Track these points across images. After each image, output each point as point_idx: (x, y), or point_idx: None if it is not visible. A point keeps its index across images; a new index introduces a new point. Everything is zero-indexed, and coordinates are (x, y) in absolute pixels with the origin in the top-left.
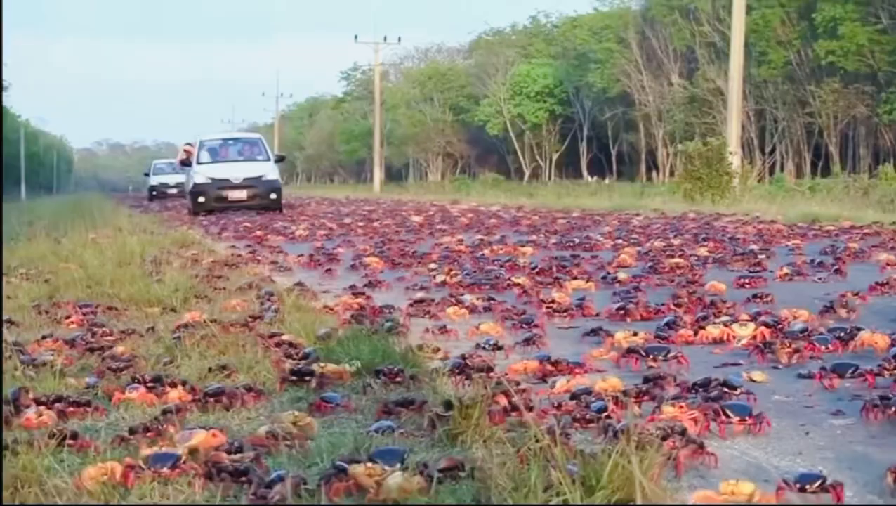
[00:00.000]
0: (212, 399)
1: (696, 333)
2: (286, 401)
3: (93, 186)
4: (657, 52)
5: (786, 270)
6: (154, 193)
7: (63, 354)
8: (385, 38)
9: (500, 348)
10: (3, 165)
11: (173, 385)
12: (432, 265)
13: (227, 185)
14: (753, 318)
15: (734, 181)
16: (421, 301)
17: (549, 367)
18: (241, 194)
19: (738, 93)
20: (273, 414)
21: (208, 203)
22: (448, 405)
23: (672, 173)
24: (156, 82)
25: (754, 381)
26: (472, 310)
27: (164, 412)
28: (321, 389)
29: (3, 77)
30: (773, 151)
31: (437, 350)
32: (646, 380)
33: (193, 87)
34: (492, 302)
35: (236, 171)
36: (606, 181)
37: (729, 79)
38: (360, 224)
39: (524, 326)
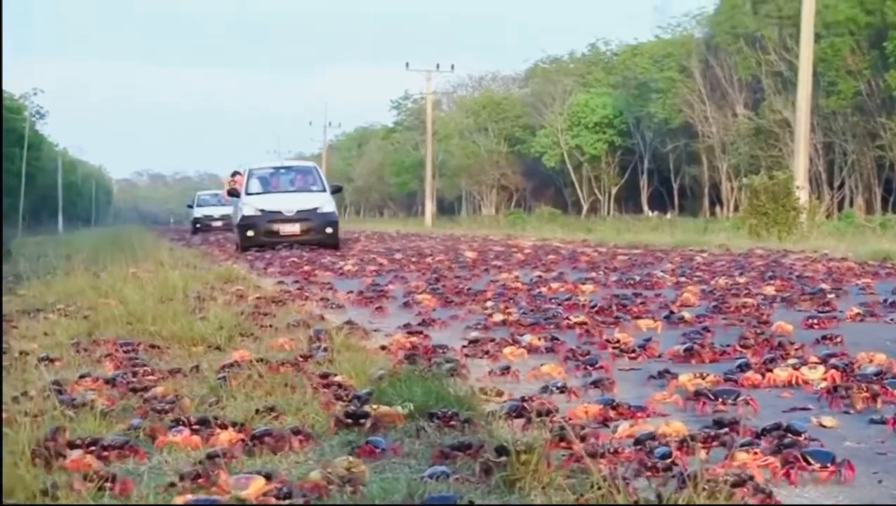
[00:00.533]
0: (259, 442)
1: (763, 376)
2: (336, 445)
3: (133, 217)
4: (721, 81)
5: (857, 310)
6: (198, 225)
7: (104, 393)
8: (438, 66)
9: (566, 391)
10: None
11: (223, 427)
12: (488, 303)
13: (278, 218)
14: (823, 360)
15: (801, 217)
16: (476, 341)
17: (610, 411)
18: (294, 228)
19: (806, 125)
20: (324, 459)
21: (258, 237)
22: (502, 450)
23: (736, 208)
24: (198, 111)
25: (824, 426)
26: (533, 350)
27: (210, 457)
28: (375, 432)
29: (41, 104)
30: (841, 185)
31: (499, 393)
32: (716, 424)
33: (237, 117)
34: (555, 342)
35: (289, 202)
36: (668, 216)
37: (796, 110)
38: (413, 259)
39: (588, 367)
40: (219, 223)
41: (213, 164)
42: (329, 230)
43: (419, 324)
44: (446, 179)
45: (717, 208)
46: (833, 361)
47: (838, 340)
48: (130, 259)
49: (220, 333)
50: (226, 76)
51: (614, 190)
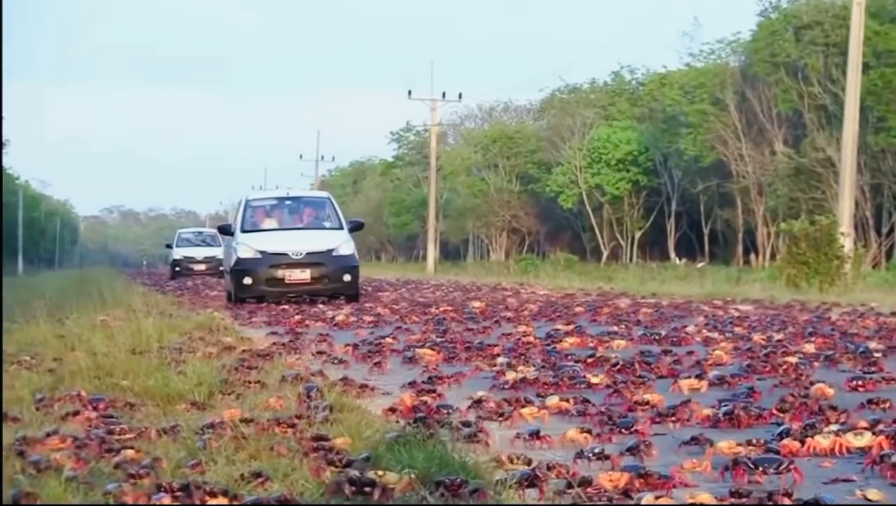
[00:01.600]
0: None
1: (802, 443)
2: None
3: (101, 259)
4: (759, 115)
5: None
6: (177, 268)
7: (71, 455)
8: (444, 95)
9: (603, 458)
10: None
11: (211, 495)
12: (500, 359)
13: (283, 262)
14: (871, 426)
15: (846, 267)
16: (479, 401)
17: (637, 481)
18: (304, 275)
19: (852, 164)
20: None
21: (256, 286)
22: None
23: (773, 256)
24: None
25: (869, 499)
26: (560, 412)
27: None
28: (384, 500)
29: (2, 133)
30: (891, 231)
31: (528, 462)
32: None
33: (220, 149)
34: (585, 404)
35: (297, 242)
36: (698, 264)
37: (842, 148)
38: (415, 308)
39: (623, 431)
40: (202, 266)
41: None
42: (347, 278)
43: (425, 382)
44: (451, 220)
45: (752, 256)
46: (881, 427)
47: (886, 404)
48: (99, 305)
49: (199, 390)
50: (207, 103)
51: (638, 234)
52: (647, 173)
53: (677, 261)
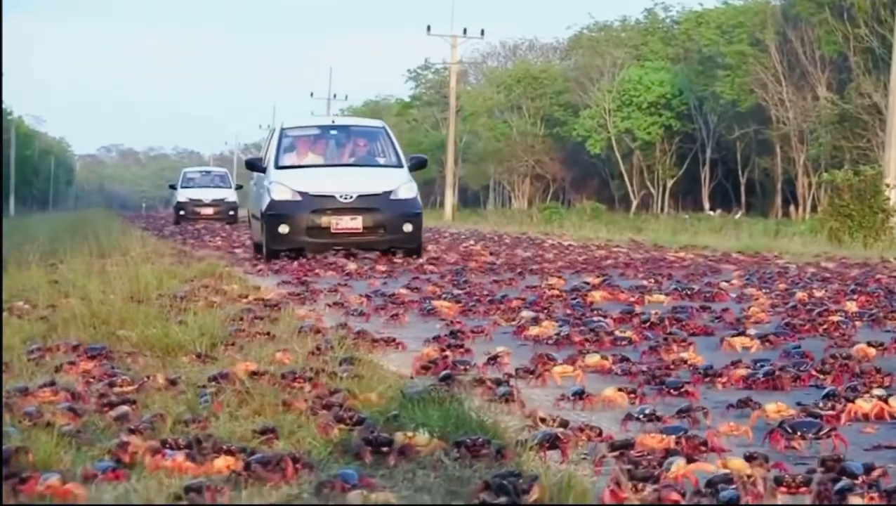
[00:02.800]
0: (251, 472)
1: (842, 407)
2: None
3: (98, 201)
4: (801, 58)
5: None
6: (182, 212)
7: (66, 409)
8: (465, 31)
9: (657, 419)
10: (3, 152)
11: (225, 452)
12: (525, 313)
13: (329, 206)
14: None
15: (892, 220)
16: (496, 357)
17: (678, 444)
18: (354, 223)
19: None
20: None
21: (295, 235)
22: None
23: (814, 209)
24: (179, 77)
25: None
26: (601, 371)
27: (189, 490)
28: (402, 462)
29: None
30: None
31: (564, 424)
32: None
33: (225, 86)
34: (628, 363)
35: (345, 182)
36: (735, 216)
37: (889, 94)
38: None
39: (671, 392)
40: (209, 210)
41: (195, 140)
42: (408, 228)
43: (450, 335)
44: (471, 164)
45: (792, 208)
46: None
47: None
48: (95, 250)
49: (201, 341)
50: (213, 37)
51: (670, 183)
52: (680, 118)
53: (711, 212)
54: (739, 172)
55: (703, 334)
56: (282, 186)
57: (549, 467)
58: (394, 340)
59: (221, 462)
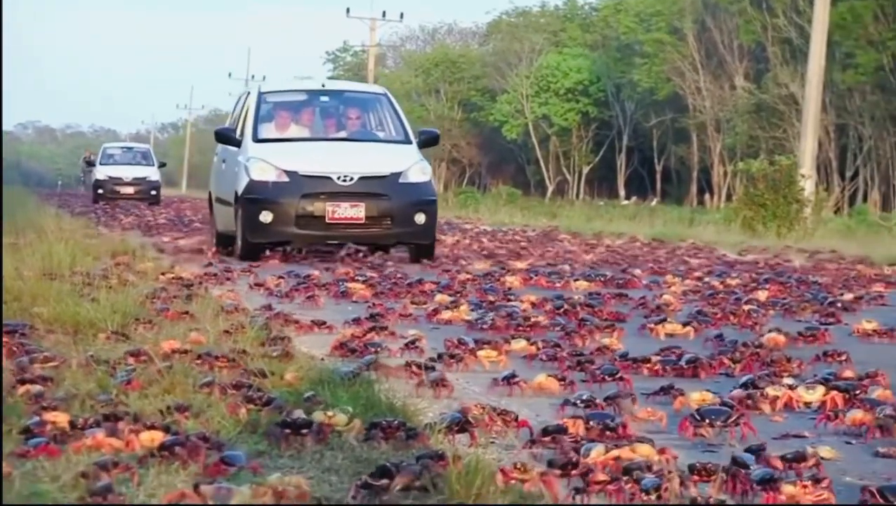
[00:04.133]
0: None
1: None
2: (243, 455)
3: (13, 178)
4: (719, 47)
5: (866, 323)
6: (100, 190)
7: None
8: (384, 14)
9: (594, 405)
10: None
11: (148, 427)
12: (440, 297)
13: (324, 189)
14: (825, 381)
15: (806, 211)
16: (415, 341)
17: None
18: (356, 212)
19: (817, 102)
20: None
21: (280, 227)
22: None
23: (730, 198)
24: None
25: (822, 458)
26: (527, 357)
27: (99, 467)
28: (319, 443)
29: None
30: (855, 175)
31: (494, 410)
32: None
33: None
34: (557, 349)
35: (343, 160)
36: (650, 203)
37: (806, 84)
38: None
39: (607, 378)
40: (130, 189)
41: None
42: (420, 218)
43: (370, 318)
44: None
45: (707, 196)
46: (836, 382)
47: (843, 357)
48: (7, 227)
49: (113, 319)
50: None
51: (586, 169)
52: (597, 105)
53: (626, 200)
54: (655, 160)
55: (616, 321)
56: (264, 164)
57: (456, 450)
58: (324, 323)
59: (147, 437)
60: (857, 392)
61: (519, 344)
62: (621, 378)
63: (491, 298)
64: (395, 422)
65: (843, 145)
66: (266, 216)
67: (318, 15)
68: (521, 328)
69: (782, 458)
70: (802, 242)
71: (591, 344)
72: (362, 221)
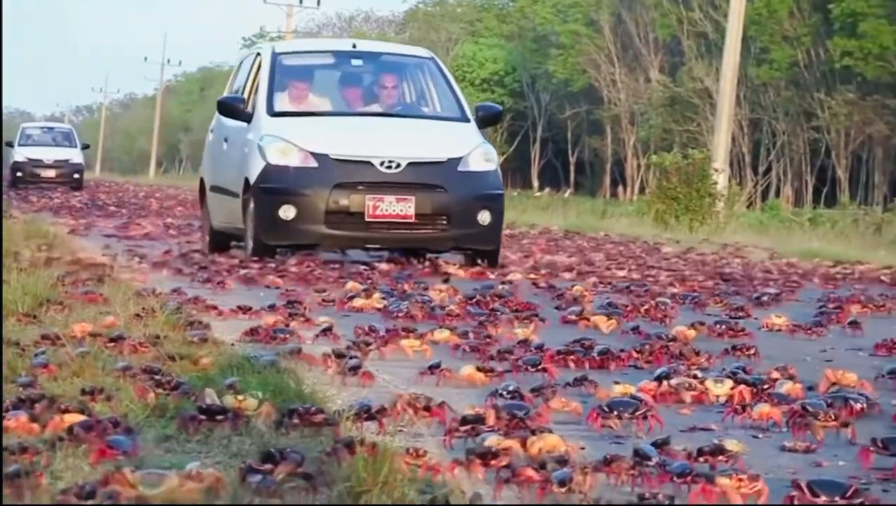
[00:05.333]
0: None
1: (658, 388)
2: (151, 439)
3: None
4: (634, 40)
5: (775, 318)
6: (19, 173)
7: None
8: (301, 0)
9: (521, 397)
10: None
11: (65, 411)
12: (351, 284)
13: (363, 178)
14: (733, 374)
15: (718, 205)
16: (329, 328)
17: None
18: (404, 207)
19: (731, 97)
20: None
21: (304, 225)
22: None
23: (643, 190)
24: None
25: (728, 451)
26: (451, 347)
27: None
28: (230, 429)
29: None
30: (768, 170)
31: (429, 406)
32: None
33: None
34: (487, 340)
35: (386, 141)
36: (563, 194)
37: (720, 78)
38: None
39: (528, 369)
40: (51, 172)
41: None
42: (484, 217)
43: (288, 305)
44: None
45: (620, 189)
46: (743, 375)
47: (751, 351)
48: None
49: (24, 301)
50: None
51: (500, 160)
52: (512, 95)
53: (540, 191)
54: (569, 152)
55: (526, 311)
56: (284, 144)
57: (364, 437)
58: (249, 307)
59: (71, 418)
60: (765, 386)
61: (443, 334)
62: (545, 369)
63: (405, 287)
64: (313, 408)
65: (756, 140)
66: (287, 211)
67: (236, 1)
68: (437, 318)
69: (699, 451)
70: (714, 235)
71: (508, 335)
72: (412, 220)
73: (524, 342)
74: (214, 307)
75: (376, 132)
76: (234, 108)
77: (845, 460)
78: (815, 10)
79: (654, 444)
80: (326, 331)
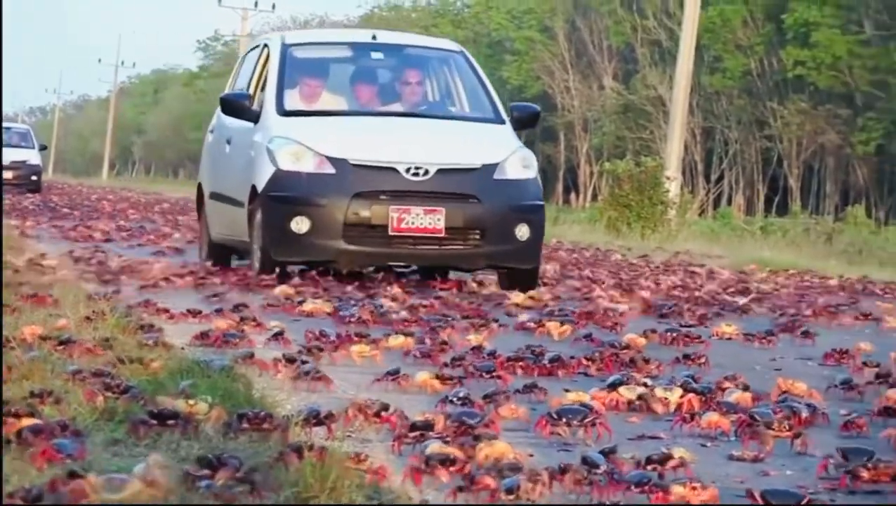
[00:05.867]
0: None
1: (608, 396)
2: (99, 443)
3: None
4: (589, 47)
5: (725, 327)
6: None
7: None
8: (256, 4)
9: (471, 403)
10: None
11: (16, 414)
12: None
13: (385, 186)
14: (685, 383)
15: (670, 213)
16: (281, 332)
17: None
18: (432, 220)
19: (684, 105)
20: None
21: (322, 238)
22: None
23: (595, 197)
24: None
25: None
26: (404, 352)
27: None
28: (184, 434)
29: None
30: (720, 179)
31: (384, 408)
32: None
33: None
34: (443, 345)
35: (412, 145)
36: None
37: (674, 86)
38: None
39: (483, 375)
40: (8, 174)
41: None
42: (523, 233)
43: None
44: None
45: (573, 196)
46: (693, 384)
47: (702, 360)
48: None
49: None
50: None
51: None
52: None
53: None
54: None
55: (476, 317)
56: (297, 148)
57: (312, 442)
58: (199, 311)
59: (28, 422)
60: (714, 395)
61: (397, 340)
62: (499, 376)
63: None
64: (263, 413)
65: (709, 148)
66: (300, 224)
67: (190, 3)
68: (391, 323)
69: (648, 459)
70: (666, 243)
71: (461, 341)
72: (441, 235)
73: (477, 349)
74: (166, 310)
75: (401, 134)
76: (239, 107)
77: (793, 469)
78: (769, 20)
79: (602, 452)
80: (277, 336)
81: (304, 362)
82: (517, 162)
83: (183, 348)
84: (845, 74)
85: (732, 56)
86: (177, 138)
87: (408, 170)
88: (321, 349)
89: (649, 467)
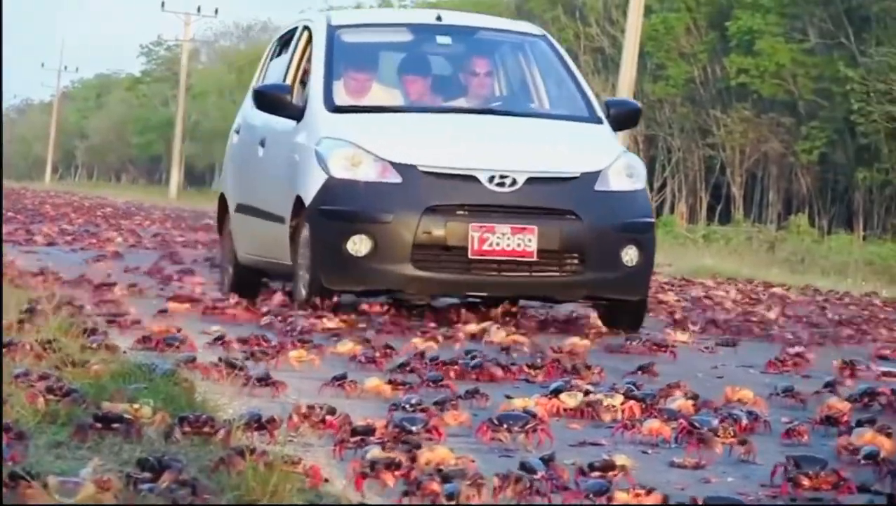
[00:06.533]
0: None
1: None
2: (42, 445)
3: None
4: None
5: (671, 333)
6: None
7: None
8: (199, 9)
9: (424, 410)
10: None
11: None
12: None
13: (464, 199)
14: (626, 390)
15: None
16: (220, 338)
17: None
18: (523, 242)
19: None
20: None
21: (386, 262)
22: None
23: None
24: None
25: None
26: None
27: None
28: (128, 437)
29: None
30: (662, 187)
31: (331, 412)
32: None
33: None
34: (387, 350)
35: (494, 148)
36: None
37: (617, 94)
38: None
39: (430, 384)
40: None
41: None
42: (630, 256)
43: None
44: (199, 143)
45: None
46: (634, 391)
47: (651, 367)
48: None
49: None
50: None
51: None
52: None
53: None
54: None
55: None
56: (354, 151)
57: (254, 446)
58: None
59: None
60: (655, 402)
61: (346, 346)
62: (446, 385)
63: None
64: (204, 417)
65: (651, 156)
66: (358, 244)
67: (133, 7)
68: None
69: (590, 466)
70: None
71: (406, 347)
72: (532, 259)
73: (420, 355)
74: (115, 315)
75: (479, 136)
76: (277, 101)
77: (734, 476)
78: (712, 28)
79: (542, 458)
80: (218, 340)
81: (240, 368)
82: (622, 170)
83: (125, 352)
84: (789, 83)
85: (676, 64)
86: (119, 143)
87: (491, 179)
88: (266, 354)
89: (593, 475)
